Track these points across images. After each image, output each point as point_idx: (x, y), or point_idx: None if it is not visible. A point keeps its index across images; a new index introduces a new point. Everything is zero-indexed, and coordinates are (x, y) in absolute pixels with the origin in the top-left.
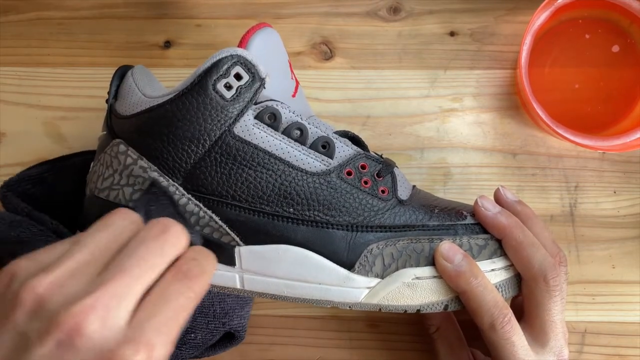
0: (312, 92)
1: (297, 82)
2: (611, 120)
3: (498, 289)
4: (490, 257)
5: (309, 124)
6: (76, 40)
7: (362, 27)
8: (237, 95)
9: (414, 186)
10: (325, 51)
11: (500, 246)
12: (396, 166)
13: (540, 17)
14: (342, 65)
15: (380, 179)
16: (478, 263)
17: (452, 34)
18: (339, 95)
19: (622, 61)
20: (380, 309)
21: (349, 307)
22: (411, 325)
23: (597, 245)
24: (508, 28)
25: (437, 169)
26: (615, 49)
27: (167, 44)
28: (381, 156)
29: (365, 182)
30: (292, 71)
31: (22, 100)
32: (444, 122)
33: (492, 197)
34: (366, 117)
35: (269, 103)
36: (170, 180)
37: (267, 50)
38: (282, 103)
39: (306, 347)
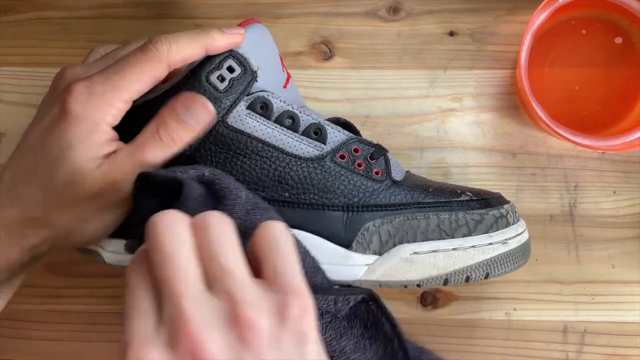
0: (311, 92)
1: (289, 75)
2: (611, 120)
3: (495, 264)
4: (486, 232)
5: (300, 112)
6: (76, 40)
7: (362, 27)
8: (229, 87)
9: (407, 171)
10: (325, 51)
11: (497, 221)
12: (388, 151)
13: (540, 17)
14: (342, 65)
15: (374, 161)
16: (475, 237)
17: (451, 34)
18: (338, 95)
19: (622, 61)
20: (380, 285)
21: (349, 285)
22: (413, 325)
23: (597, 245)
24: (508, 28)
25: (437, 169)
26: (618, 40)
27: None
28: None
29: (359, 165)
30: (282, 64)
31: (22, 100)
32: (443, 122)
33: None
34: (366, 117)
35: (260, 93)
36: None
37: (257, 45)
38: (273, 93)
39: None
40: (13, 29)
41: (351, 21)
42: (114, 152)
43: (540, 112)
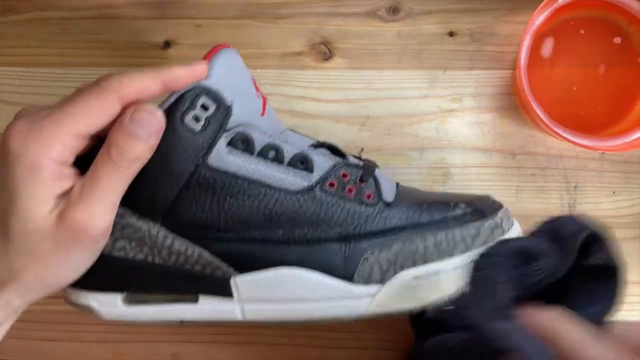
0: (311, 92)
1: (264, 98)
2: (610, 121)
3: None
4: (484, 244)
5: (283, 142)
6: (76, 41)
7: (362, 27)
8: (206, 126)
9: (397, 184)
10: (325, 51)
11: (493, 232)
12: (377, 166)
13: (540, 18)
14: (342, 65)
15: (363, 184)
16: (474, 252)
17: (451, 34)
18: (338, 96)
19: (621, 61)
20: (386, 315)
21: (356, 318)
22: None
23: None
24: (507, 28)
25: (437, 169)
26: (617, 40)
27: (167, 44)
28: (360, 157)
29: (350, 190)
30: (257, 89)
31: (22, 100)
32: (443, 123)
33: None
34: (365, 117)
35: (240, 129)
36: (151, 222)
37: (228, 72)
38: (252, 126)
39: (306, 347)
40: (13, 29)
41: (351, 21)
42: (70, 189)
43: (540, 113)
